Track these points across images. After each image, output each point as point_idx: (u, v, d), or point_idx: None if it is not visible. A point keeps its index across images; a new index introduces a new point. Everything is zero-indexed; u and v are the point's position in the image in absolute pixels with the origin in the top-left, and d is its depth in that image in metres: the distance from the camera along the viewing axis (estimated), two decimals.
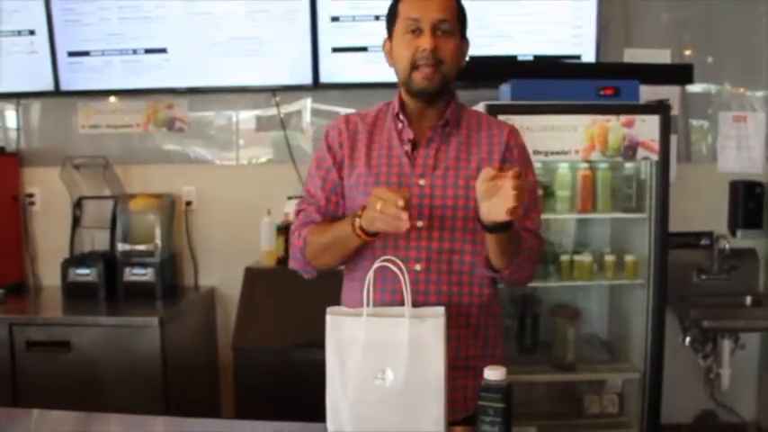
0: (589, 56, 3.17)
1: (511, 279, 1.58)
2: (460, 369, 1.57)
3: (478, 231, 1.50)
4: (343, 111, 3.31)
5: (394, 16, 1.62)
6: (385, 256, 1.40)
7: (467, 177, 1.59)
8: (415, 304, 1.44)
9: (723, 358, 3.14)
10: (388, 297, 1.55)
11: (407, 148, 1.63)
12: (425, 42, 1.55)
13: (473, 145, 1.65)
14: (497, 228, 1.41)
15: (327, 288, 1.79)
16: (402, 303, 1.40)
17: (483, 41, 3.15)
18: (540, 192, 2.83)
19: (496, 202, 1.33)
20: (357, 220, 1.48)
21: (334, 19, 3.19)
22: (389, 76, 1.66)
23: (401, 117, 1.64)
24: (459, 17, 1.62)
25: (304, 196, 1.71)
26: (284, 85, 3.30)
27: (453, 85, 1.66)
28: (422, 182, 1.61)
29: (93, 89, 3.36)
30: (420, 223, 1.59)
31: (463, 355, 1.61)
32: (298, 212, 1.71)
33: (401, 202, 1.34)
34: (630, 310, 3.02)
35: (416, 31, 1.57)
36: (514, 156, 1.66)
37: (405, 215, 1.34)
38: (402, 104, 1.67)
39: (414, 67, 1.58)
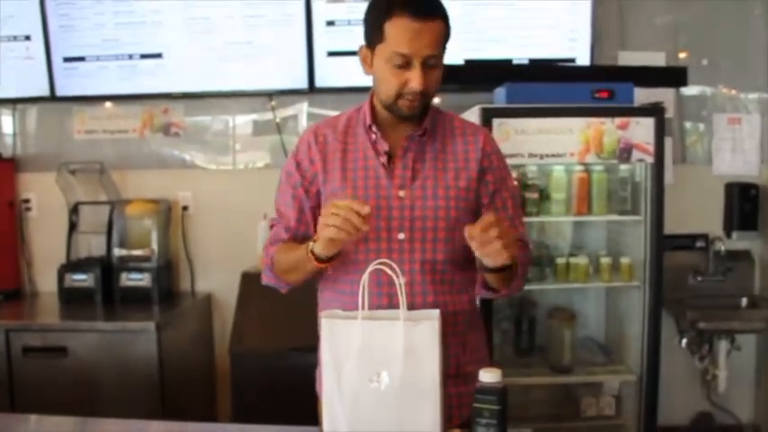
0: (584, 59, 3.19)
1: (508, 294, 1.62)
2: (452, 377, 1.56)
3: (458, 241, 1.51)
4: None
5: (378, 33, 1.52)
6: (381, 260, 1.39)
7: (446, 187, 1.58)
8: None
9: (719, 360, 3.16)
10: (375, 300, 1.49)
11: (383, 159, 1.59)
12: (416, 82, 1.48)
13: (449, 153, 1.62)
14: (499, 269, 1.45)
15: None
16: (383, 308, 1.44)
17: (478, 45, 3.17)
18: (536, 195, 2.84)
19: (490, 252, 1.35)
20: (311, 244, 1.46)
21: (330, 23, 3.20)
22: None
23: (374, 129, 1.60)
24: (446, 41, 1.54)
25: (276, 212, 1.69)
26: (280, 90, 3.30)
27: None
28: (401, 193, 1.57)
29: (89, 95, 3.36)
30: (401, 236, 1.56)
31: (454, 363, 1.60)
32: (271, 227, 1.71)
33: (367, 209, 1.35)
34: (627, 313, 3.02)
35: (404, 66, 1.49)
36: (493, 162, 1.64)
37: (365, 225, 1.35)
38: (374, 113, 1.63)
39: (399, 96, 1.52)
